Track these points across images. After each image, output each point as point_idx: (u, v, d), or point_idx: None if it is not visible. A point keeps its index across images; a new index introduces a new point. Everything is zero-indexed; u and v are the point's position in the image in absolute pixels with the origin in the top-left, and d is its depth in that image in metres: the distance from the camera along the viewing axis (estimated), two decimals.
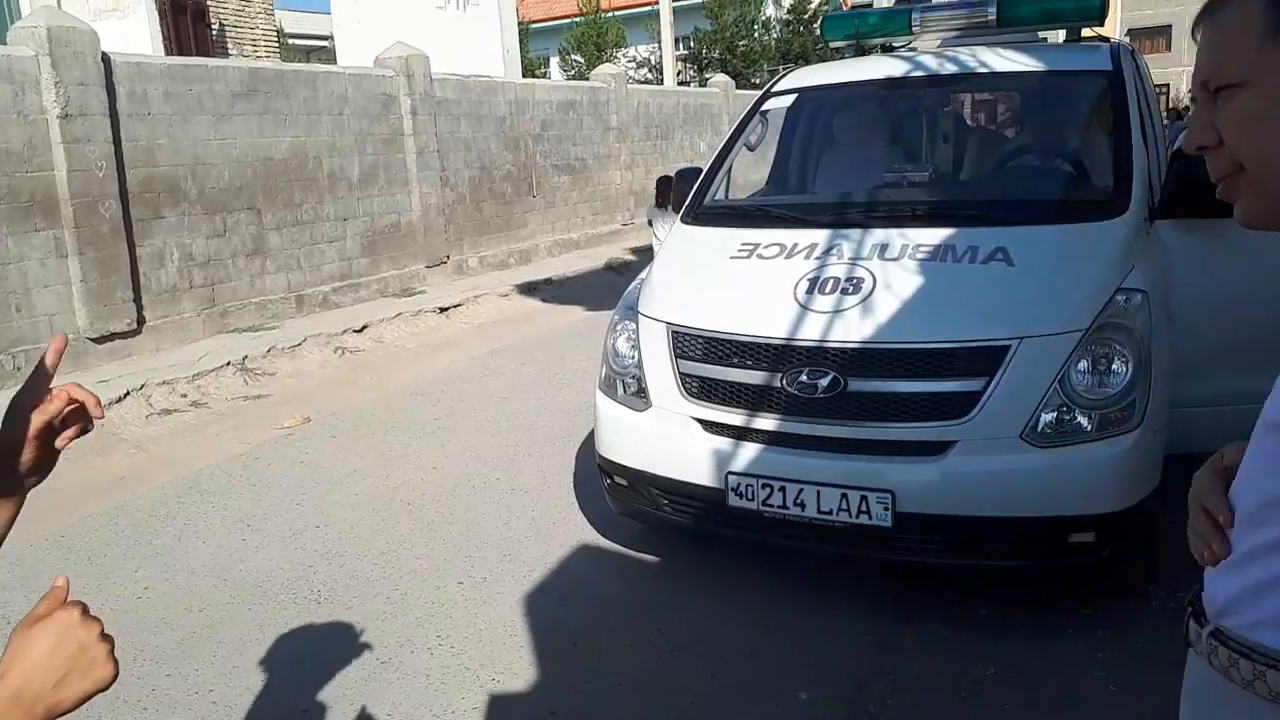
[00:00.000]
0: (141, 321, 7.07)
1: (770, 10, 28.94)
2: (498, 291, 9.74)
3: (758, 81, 26.27)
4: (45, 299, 6.50)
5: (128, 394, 6.08)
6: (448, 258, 10.40)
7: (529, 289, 10.08)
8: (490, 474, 4.94)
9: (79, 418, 1.09)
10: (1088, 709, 2.77)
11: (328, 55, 25.29)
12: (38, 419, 1.05)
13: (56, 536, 4.37)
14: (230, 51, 14.85)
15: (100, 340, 6.77)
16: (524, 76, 18.65)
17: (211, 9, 14.34)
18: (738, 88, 18.53)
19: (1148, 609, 3.24)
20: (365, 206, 9.30)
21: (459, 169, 10.68)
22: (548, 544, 4.08)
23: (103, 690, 0.89)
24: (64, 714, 0.87)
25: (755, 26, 25.99)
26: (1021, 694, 2.85)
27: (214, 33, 14.35)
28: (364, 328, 8.02)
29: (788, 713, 2.84)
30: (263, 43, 15.83)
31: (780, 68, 25.42)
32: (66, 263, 6.58)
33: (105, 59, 6.76)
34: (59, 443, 1.06)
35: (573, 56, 27.54)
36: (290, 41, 20.41)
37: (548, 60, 31.46)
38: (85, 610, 0.91)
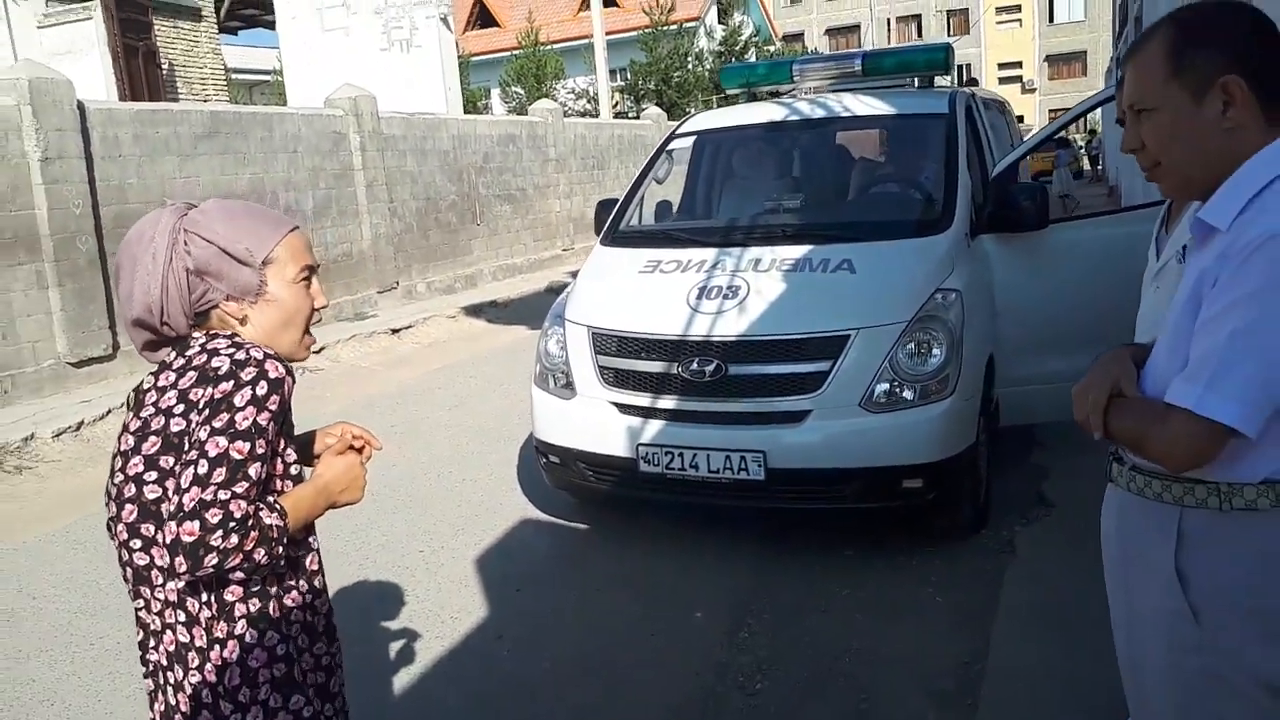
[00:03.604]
0: (116, 347, 7.67)
1: (703, 42, 30.08)
2: (446, 314, 10.46)
3: (693, 111, 27.33)
4: (28, 327, 7.09)
5: (109, 411, 6.69)
6: (397, 283, 11.10)
7: (475, 311, 10.81)
8: (443, 468, 5.66)
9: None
10: (916, 613, 3.58)
11: (272, 89, 25.82)
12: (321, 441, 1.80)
13: (62, 531, 5.01)
14: (180, 89, 15.42)
15: (79, 365, 7.37)
16: (466, 108, 19.43)
17: (161, 50, 14.91)
18: (672, 118, 19.50)
19: (974, 544, 4.07)
20: (319, 237, 9.98)
21: (406, 200, 11.40)
22: (494, 519, 4.80)
23: (354, 504, 1.68)
24: (335, 508, 1.65)
25: (689, 58, 27.04)
26: (868, 607, 3.65)
27: (164, 72, 14.92)
28: (322, 349, 8.68)
29: (686, 626, 3.61)
30: (210, 81, 16.40)
31: (713, 98, 26.50)
32: (47, 294, 7.18)
33: (80, 106, 7.40)
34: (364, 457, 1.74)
35: (513, 88, 28.33)
36: (235, 77, 20.96)
37: (489, 92, 32.22)
38: (362, 453, 1.71)
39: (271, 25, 16.33)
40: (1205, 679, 1.58)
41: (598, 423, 4.12)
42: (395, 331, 9.66)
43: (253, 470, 1.45)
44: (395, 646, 3.59)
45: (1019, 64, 53.42)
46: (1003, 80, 51.84)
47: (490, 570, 4.23)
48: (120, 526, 1.54)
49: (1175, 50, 1.53)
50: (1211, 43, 1.52)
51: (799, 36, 53.30)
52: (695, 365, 3.88)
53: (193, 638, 1.52)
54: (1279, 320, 1.40)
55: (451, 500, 5.11)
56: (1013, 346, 4.38)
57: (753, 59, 28.70)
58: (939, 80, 5.47)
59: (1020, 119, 11.23)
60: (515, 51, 29.63)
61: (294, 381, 1.56)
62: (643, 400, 4.02)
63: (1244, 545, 1.54)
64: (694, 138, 5.37)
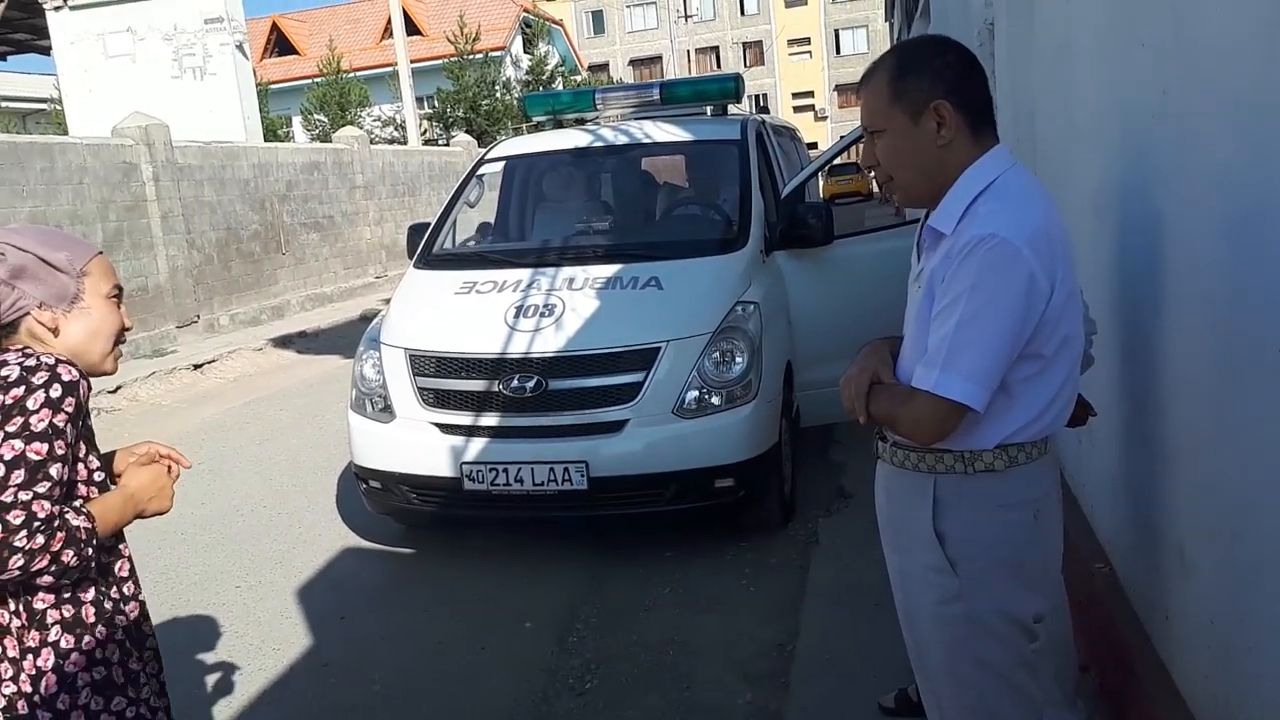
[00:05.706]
0: None
1: (510, 71, 30.29)
2: (251, 346, 10.08)
3: (502, 138, 27.27)
4: None
5: None
6: (198, 317, 10.61)
7: (283, 342, 10.48)
8: (257, 503, 5.49)
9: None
10: (732, 604, 3.80)
11: (49, 118, 24.06)
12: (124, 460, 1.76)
13: None
14: None
15: None
16: (266, 136, 18.77)
17: None
18: (482, 145, 19.52)
19: (783, 537, 4.35)
20: None
21: (205, 231, 10.93)
22: (314, 551, 4.71)
23: (162, 514, 1.70)
24: (142, 517, 1.65)
25: (496, 87, 27.15)
26: (688, 601, 3.84)
27: None
28: (118, 388, 8.21)
29: (516, 638, 3.68)
30: None
31: (523, 126, 26.68)
32: None
33: None
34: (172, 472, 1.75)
35: (316, 116, 27.56)
36: (6, 105, 19.40)
37: (290, 120, 31.20)
38: (169, 470, 1.72)
39: (46, 51, 15.27)
40: (966, 623, 1.84)
41: (419, 444, 4.15)
42: (198, 367, 9.24)
43: (54, 471, 1.46)
44: (213, 679, 3.49)
45: (811, 93, 56.52)
46: (797, 109, 54.69)
47: (313, 601, 4.17)
48: None
49: (895, 79, 1.78)
50: (924, 72, 1.77)
51: (604, 67, 54.41)
52: (516, 382, 3.98)
53: (4, 649, 1.51)
54: (991, 310, 1.67)
55: (268, 535, 4.97)
56: (808, 353, 4.71)
57: (559, 88, 29.15)
58: (732, 108, 5.82)
59: (814, 145, 11.96)
60: (316, 79, 28.87)
61: (89, 387, 1.57)
62: (464, 419, 4.08)
63: (987, 502, 1.82)
64: (504, 163, 5.49)
